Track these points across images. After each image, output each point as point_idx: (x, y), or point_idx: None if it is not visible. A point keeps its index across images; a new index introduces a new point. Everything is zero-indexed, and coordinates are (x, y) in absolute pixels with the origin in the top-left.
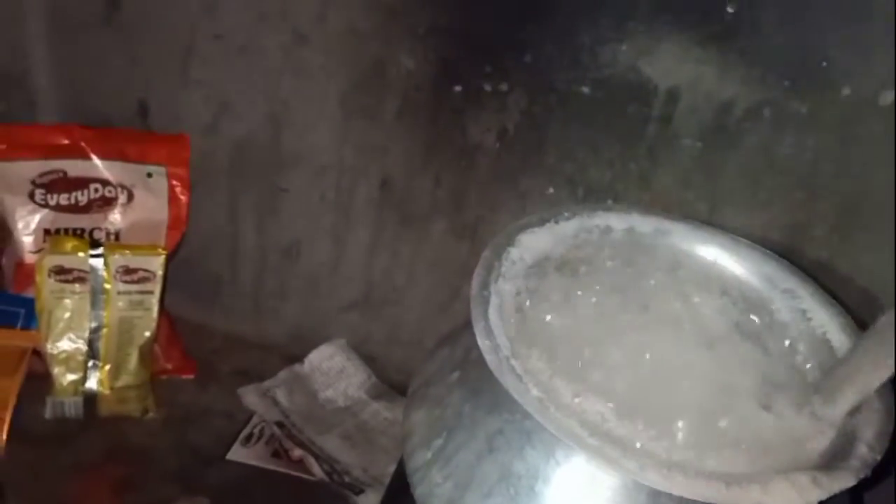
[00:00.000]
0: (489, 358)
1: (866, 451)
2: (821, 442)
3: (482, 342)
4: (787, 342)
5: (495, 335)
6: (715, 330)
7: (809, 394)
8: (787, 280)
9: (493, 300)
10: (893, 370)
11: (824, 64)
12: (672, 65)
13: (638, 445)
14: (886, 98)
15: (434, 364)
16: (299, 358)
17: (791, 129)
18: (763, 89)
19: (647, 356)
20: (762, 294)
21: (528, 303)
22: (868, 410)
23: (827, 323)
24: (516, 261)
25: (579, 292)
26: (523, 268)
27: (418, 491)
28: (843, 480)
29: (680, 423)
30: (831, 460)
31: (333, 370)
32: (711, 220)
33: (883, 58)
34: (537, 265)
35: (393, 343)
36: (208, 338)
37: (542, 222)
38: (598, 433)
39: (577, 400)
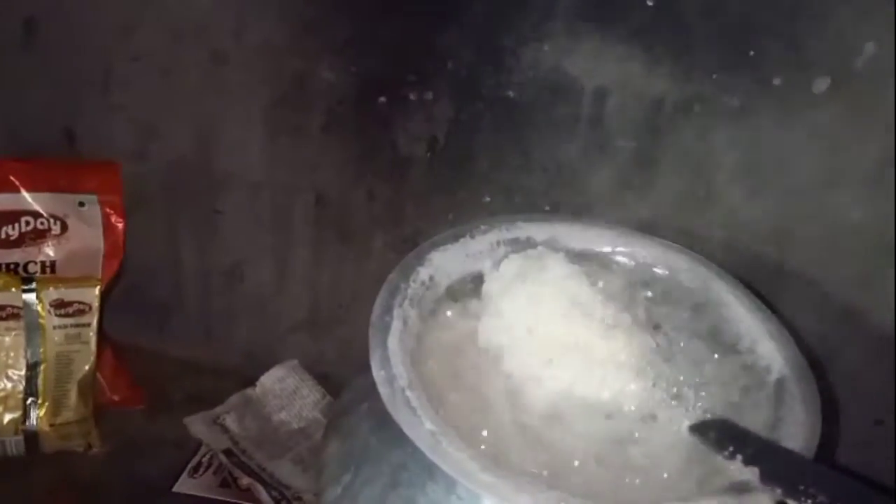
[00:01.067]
0: (383, 391)
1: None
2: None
3: (377, 373)
4: (709, 349)
5: (391, 365)
6: (632, 344)
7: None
8: (715, 284)
9: (396, 326)
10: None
11: (752, 53)
12: (596, 63)
13: (534, 477)
14: (821, 85)
15: (349, 393)
16: (253, 381)
17: (724, 123)
18: (692, 84)
19: (558, 378)
20: (692, 298)
21: (434, 327)
22: (791, 424)
23: (754, 329)
24: (425, 281)
25: (493, 312)
26: (433, 289)
27: None
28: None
29: (582, 453)
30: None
31: (286, 392)
32: (653, 221)
33: (814, 43)
34: (449, 285)
35: (345, 361)
36: (160, 364)
37: (455, 238)
38: (490, 468)
39: (474, 434)
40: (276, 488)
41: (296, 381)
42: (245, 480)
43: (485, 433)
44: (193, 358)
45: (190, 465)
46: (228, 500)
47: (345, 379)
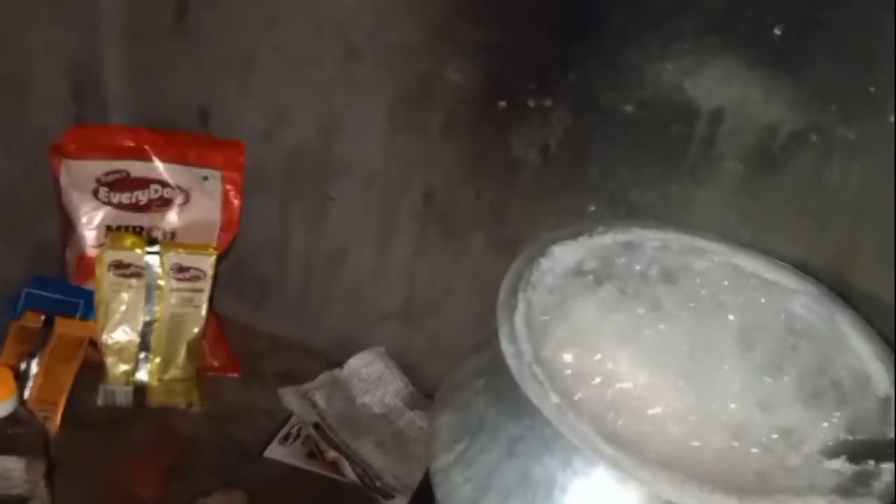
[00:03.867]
0: (512, 363)
1: (891, 476)
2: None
3: (506, 347)
4: (819, 362)
5: (519, 341)
6: (748, 347)
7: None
8: (826, 305)
9: (521, 307)
10: None
11: (872, 89)
12: (717, 86)
13: (656, 455)
14: None
15: (462, 371)
16: (340, 363)
17: (838, 154)
18: (810, 113)
19: (682, 368)
20: (800, 315)
21: (557, 311)
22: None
23: (861, 349)
24: (546, 271)
25: (611, 304)
26: (553, 278)
27: (440, 492)
28: None
29: (706, 437)
30: (853, 484)
31: (372, 377)
32: (754, 245)
33: None
34: (568, 276)
35: (431, 353)
36: (254, 339)
37: (575, 235)
38: (614, 442)
39: (610, 415)
40: (360, 465)
41: (381, 367)
42: (332, 454)
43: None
44: (286, 335)
45: (280, 434)
46: (314, 469)
47: (429, 371)
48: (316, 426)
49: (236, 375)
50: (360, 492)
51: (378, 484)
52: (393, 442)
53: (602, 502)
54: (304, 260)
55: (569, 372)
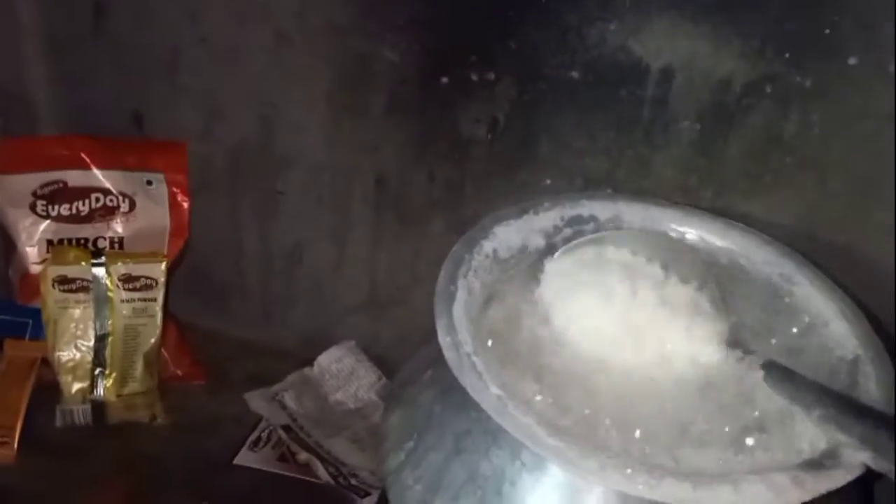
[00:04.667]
0: (449, 355)
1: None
2: (815, 437)
3: (443, 339)
4: (779, 329)
5: (457, 331)
6: (700, 321)
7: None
8: (784, 264)
9: (460, 296)
10: None
11: (827, 31)
12: (663, 42)
13: (601, 442)
14: None
15: (412, 364)
16: (311, 361)
17: (795, 104)
18: (762, 63)
19: (628, 352)
20: (753, 278)
21: (498, 298)
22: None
23: (825, 310)
24: (489, 254)
25: (556, 286)
26: (495, 261)
27: (391, 495)
28: (832, 480)
29: (651, 422)
30: (820, 458)
31: (343, 372)
32: (716, 206)
33: (893, 22)
34: (512, 258)
35: (402, 343)
36: (220, 344)
37: (520, 213)
38: (557, 433)
39: (538, 398)
40: (333, 464)
41: (352, 361)
42: (303, 455)
43: (539, 398)
44: (253, 338)
45: (250, 439)
46: (286, 473)
47: (401, 361)
48: (286, 428)
49: (202, 383)
50: (334, 492)
51: (353, 482)
52: (368, 437)
53: (553, 495)
54: (260, 259)
55: (509, 364)
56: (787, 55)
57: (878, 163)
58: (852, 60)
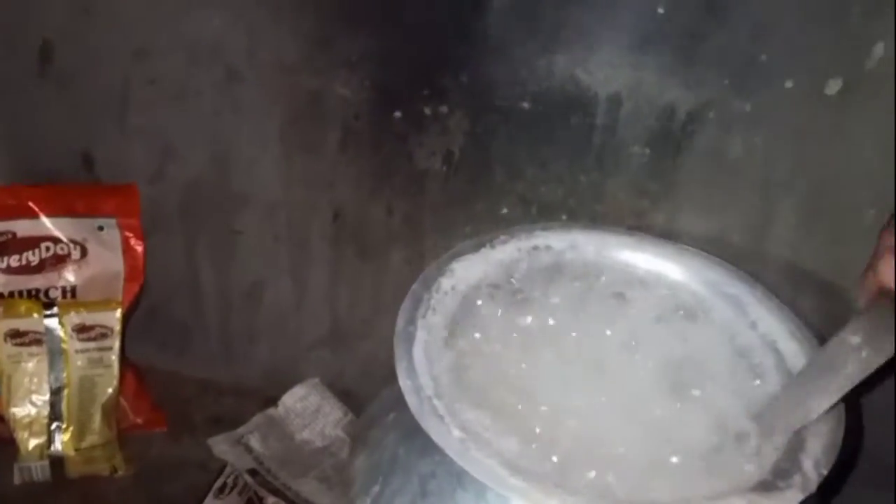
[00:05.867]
0: (410, 399)
1: (811, 467)
2: (764, 460)
3: (403, 382)
4: (730, 352)
5: (418, 374)
6: (657, 346)
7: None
8: (733, 285)
9: (420, 336)
10: (834, 399)
11: (763, 58)
12: (609, 71)
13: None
14: (833, 87)
15: (376, 405)
16: (275, 399)
17: (738, 128)
18: (704, 90)
19: (586, 384)
20: (706, 302)
21: (459, 336)
22: (816, 420)
23: (775, 329)
24: (448, 291)
25: (516, 321)
26: (455, 298)
27: None
28: (783, 501)
29: (614, 459)
30: (773, 479)
31: (309, 410)
32: (669, 228)
33: (826, 45)
34: (471, 295)
35: (367, 376)
36: (181, 386)
37: (476, 248)
38: (520, 472)
39: (500, 438)
40: None
41: (318, 399)
42: (271, 500)
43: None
44: (214, 378)
45: (215, 486)
46: None
47: (367, 395)
48: (253, 472)
49: (164, 430)
50: None
51: None
52: (336, 475)
53: None
54: (219, 298)
55: (471, 405)
56: (726, 82)
57: (819, 179)
58: (789, 84)
